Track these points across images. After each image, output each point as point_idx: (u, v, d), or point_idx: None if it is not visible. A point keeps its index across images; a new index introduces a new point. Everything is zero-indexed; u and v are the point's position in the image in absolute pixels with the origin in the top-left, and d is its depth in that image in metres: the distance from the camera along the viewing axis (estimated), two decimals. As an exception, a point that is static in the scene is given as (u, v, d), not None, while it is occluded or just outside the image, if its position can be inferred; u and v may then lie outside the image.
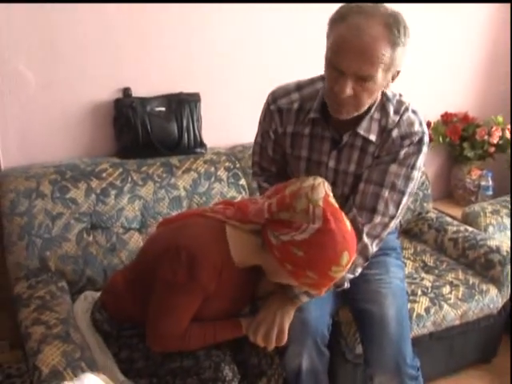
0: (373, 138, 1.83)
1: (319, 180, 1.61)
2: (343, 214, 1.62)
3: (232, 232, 1.69)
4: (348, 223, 1.61)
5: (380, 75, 1.63)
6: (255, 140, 2.12)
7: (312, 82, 1.92)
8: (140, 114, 2.46)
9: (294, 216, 1.56)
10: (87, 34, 2.38)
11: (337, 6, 1.67)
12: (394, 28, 1.60)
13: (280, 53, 2.73)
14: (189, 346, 1.74)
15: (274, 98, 1.97)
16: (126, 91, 2.50)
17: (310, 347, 1.94)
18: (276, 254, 1.60)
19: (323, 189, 1.59)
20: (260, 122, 2.06)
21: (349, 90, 1.64)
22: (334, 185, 1.90)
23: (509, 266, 2.54)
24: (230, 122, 2.79)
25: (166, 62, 2.57)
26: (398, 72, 1.72)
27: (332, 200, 1.61)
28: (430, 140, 3.21)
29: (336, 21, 1.65)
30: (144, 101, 2.50)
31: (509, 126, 3.23)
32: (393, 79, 1.73)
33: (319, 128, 1.89)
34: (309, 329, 1.92)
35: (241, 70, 2.74)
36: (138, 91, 2.52)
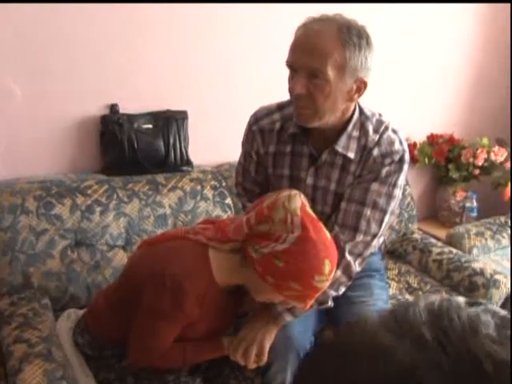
0: (351, 155, 1.85)
1: (295, 191, 1.62)
2: (321, 224, 1.62)
3: (214, 254, 1.67)
4: (327, 233, 1.61)
5: (331, 73, 1.65)
6: (238, 161, 2.14)
7: (291, 101, 1.93)
8: (127, 130, 2.46)
9: (273, 227, 1.56)
10: (75, 50, 2.38)
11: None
12: (344, 28, 1.65)
13: (269, 72, 2.74)
14: (167, 365, 1.75)
15: (256, 119, 1.99)
16: (114, 107, 2.50)
17: (293, 362, 1.91)
18: (258, 269, 1.58)
19: (299, 199, 1.59)
20: (242, 144, 2.08)
21: (300, 87, 1.69)
22: (313, 201, 1.91)
23: (492, 289, 2.54)
24: (217, 140, 2.78)
25: (153, 78, 2.57)
26: (365, 84, 1.73)
27: (309, 210, 1.61)
28: (416, 161, 3.25)
29: (297, 29, 1.72)
30: (131, 117, 2.50)
31: (494, 149, 3.26)
32: (359, 91, 1.75)
33: (299, 145, 1.91)
34: (292, 343, 1.90)
35: (229, 88, 2.75)
36: (126, 108, 2.51)
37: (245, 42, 2.72)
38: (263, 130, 1.97)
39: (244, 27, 2.69)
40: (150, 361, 1.72)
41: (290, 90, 1.74)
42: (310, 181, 1.92)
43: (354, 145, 1.85)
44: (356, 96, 1.76)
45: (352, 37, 1.65)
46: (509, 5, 3.34)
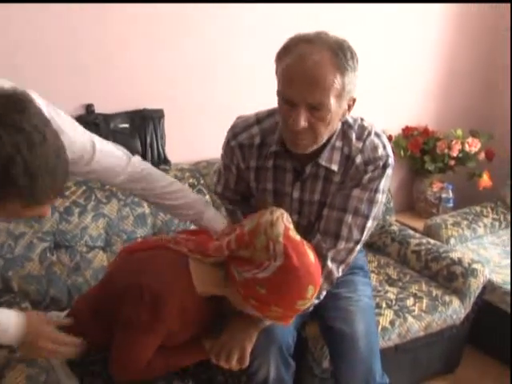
0: (335, 167, 1.83)
1: (277, 213, 1.58)
2: (306, 245, 1.60)
3: (195, 266, 1.66)
4: (312, 255, 1.59)
5: (332, 102, 1.62)
6: (219, 169, 2.11)
7: (270, 114, 1.91)
8: (103, 130, 2.44)
9: (255, 254, 1.54)
10: (49, 50, 2.35)
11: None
12: (339, 52, 1.60)
13: (245, 70, 2.74)
14: (152, 376, 1.74)
15: (234, 133, 1.95)
16: (89, 108, 2.47)
17: (275, 356, 1.91)
18: (240, 290, 1.59)
19: (282, 223, 1.56)
20: (222, 157, 2.04)
21: (303, 122, 1.63)
22: (299, 215, 1.92)
23: (471, 278, 2.57)
24: (194, 138, 2.78)
25: (129, 78, 2.55)
26: (354, 100, 1.72)
27: (293, 233, 1.58)
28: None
29: (281, 53, 1.67)
30: (107, 117, 2.48)
31: (468, 140, 3.30)
32: (349, 108, 1.73)
33: (281, 160, 1.88)
34: (274, 337, 1.90)
35: (204, 86, 2.74)
36: (101, 107, 2.49)
37: (220, 41, 2.70)
38: (243, 146, 1.93)
39: (219, 27, 2.68)
40: (133, 375, 1.69)
41: (288, 124, 1.67)
42: (296, 195, 1.90)
43: (337, 156, 1.82)
44: (347, 114, 1.75)
45: (348, 61, 1.60)
46: (508, 5, 3.44)
